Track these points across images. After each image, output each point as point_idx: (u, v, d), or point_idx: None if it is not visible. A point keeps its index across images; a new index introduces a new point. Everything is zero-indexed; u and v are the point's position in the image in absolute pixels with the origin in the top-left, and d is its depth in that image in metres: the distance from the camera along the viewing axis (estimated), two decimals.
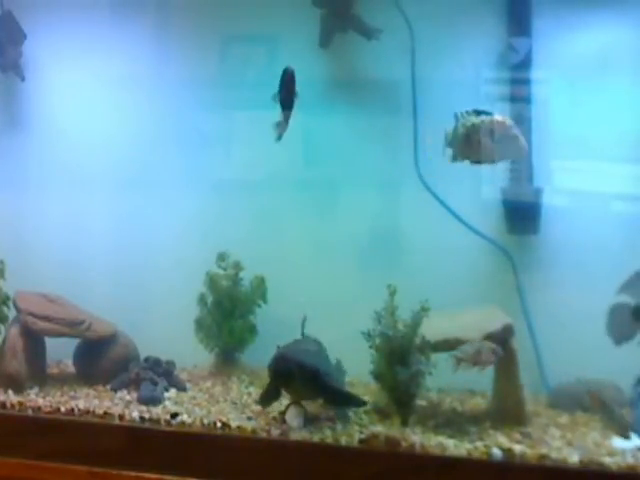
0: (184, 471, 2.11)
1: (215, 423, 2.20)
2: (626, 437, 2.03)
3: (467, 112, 2.17)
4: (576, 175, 2.53)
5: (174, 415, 2.25)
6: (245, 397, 2.43)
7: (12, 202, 2.93)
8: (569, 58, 2.50)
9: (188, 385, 2.55)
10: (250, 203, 2.77)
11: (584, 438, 2.10)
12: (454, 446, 2.03)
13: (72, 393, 2.47)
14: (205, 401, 2.40)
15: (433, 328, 2.18)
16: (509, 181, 2.53)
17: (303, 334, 2.33)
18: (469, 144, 2.15)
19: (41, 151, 2.94)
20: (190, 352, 2.68)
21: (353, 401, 2.24)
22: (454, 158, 2.19)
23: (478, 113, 2.16)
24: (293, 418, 2.18)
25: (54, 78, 2.91)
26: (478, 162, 2.18)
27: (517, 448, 2.01)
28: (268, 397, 2.27)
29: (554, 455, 1.98)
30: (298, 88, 2.22)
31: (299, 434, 2.12)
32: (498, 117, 2.17)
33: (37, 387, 2.49)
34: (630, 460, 1.94)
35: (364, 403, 2.25)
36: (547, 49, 2.51)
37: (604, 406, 2.15)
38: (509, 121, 2.16)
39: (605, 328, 2.19)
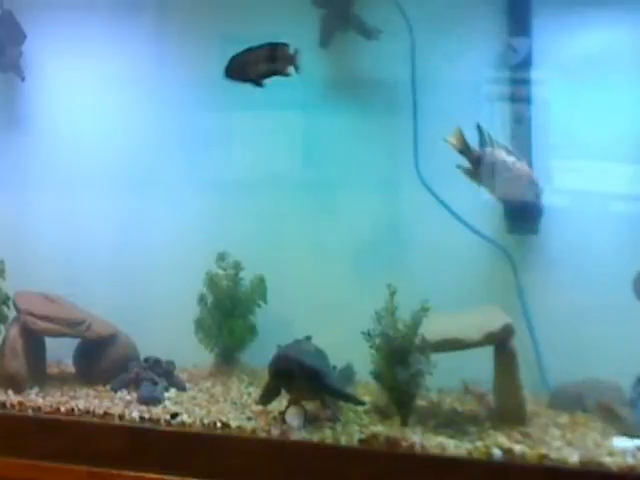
0: (184, 471, 2.11)
1: (215, 423, 2.20)
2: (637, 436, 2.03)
3: (497, 143, 2.19)
4: (576, 175, 2.53)
5: (174, 415, 2.25)
6: (245, 397, 2.43)
7: (12, 202, 2.94)
8: (569, 58, 2.50)
9: (188, 385, 2.55)
10: (250, 203, 2.77)
11: (584, 438, 2.10)
12: (454, 446, 2.03)
13: (72, 393, 2.47)
14: (205, 401, 2.40)
15: (433, 328, 2.18)
16: None
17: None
18: (496, 178, 2.19)
19: (41, 151, 2.94)
20: (190, 352, 2.68)
21: (352, 401, 2.24)
22: (472, 176, 2.20)
23: (508, 150, 2.18)
24: (293, 418, 2.17)
25: (54, 78, 2.91)
26: (498, 198, 2.21)
27: (517, 448, 2.01)
28: (268, 395, 2.27)
29: (554, 455, 1.97)
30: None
31: (299, 434, 2.12)
32: (525, 166, 2.19)
33: (37, 387, 2.49)
34: (630, 460, 1.94)
35: (363, 403, 2.26)
36: (547, 49, 2.52)
37: (612, 413, 2.14)
38: (534, 173, 2.18)
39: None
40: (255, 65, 2.26)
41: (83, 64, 2.87)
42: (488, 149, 2.19)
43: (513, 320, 2.23)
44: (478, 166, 2.20)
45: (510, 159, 2.18)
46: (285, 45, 2.27)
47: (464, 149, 2.22)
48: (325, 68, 2.71)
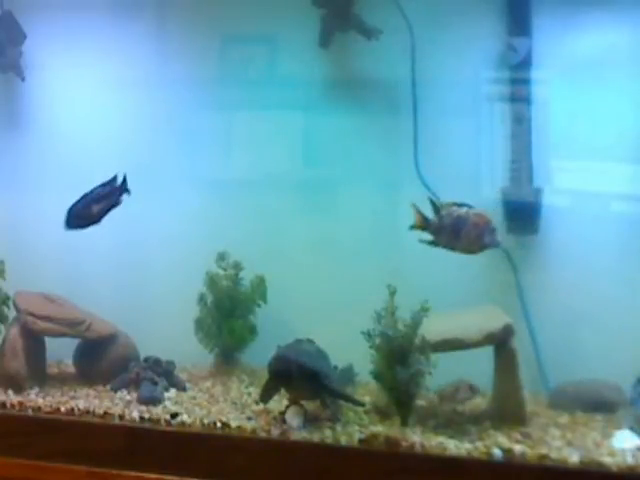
0: (184, 471, 2.11)
1: (215, 423, 2.20)
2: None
3: (447, 203, 2.22)
4: (576, 175, 2.53)
5: (174, 415, 2.24)
6: (245, 397, 2.43)
7: (12, 202, 2.93)
8: (569, 58, 2.50)
9: (188, 385, 2.55)
10: (250, 203, 2.77)
11: (584, 438, 2.10)
12: (454, 446, 2.03)
13: (72, 393, 2.47)
14: (205, 401, 2.40)
15: (433, 328, 2.18)
16: (509, 181, 2.53)
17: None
18: (457, 235, 2.19)
19: (41, 151, 2.94)
20: (190, 352, 2.68)
21: (351, 402, 2.24)
22: (436, 244, 2.22)
23: (458, 205, 2.20)
24: (293, 418, 2.18)
25: (54, 78, 2.91)
26: (462, 252, 2.22)
27: (517, 448, 2.01)
28: (267, 394, 2.27)
29: (554, 455, 1.97)
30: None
31: (299, 434, 2.12)
32: (478, 210, 2.21)
33: (37, 387, 2.49)
34: (630, 460, 1.94)
35: (362, 404, 2.26)
36: (547, 49, 2.51)
37: None
38: (488, 214, 2.21)
39: None
40: (91, 210, 2.43)
41: (83, 64, 2.87)
42: (443, 212, 2.21)
43: (513, 320, 2.23)
44: (439, 233, 2.22)
45: (462, 210, 2.20)
46: (113, 180, 2.44)
47: (425, 225, 2.24)
48: (325, 68, 2.71)
